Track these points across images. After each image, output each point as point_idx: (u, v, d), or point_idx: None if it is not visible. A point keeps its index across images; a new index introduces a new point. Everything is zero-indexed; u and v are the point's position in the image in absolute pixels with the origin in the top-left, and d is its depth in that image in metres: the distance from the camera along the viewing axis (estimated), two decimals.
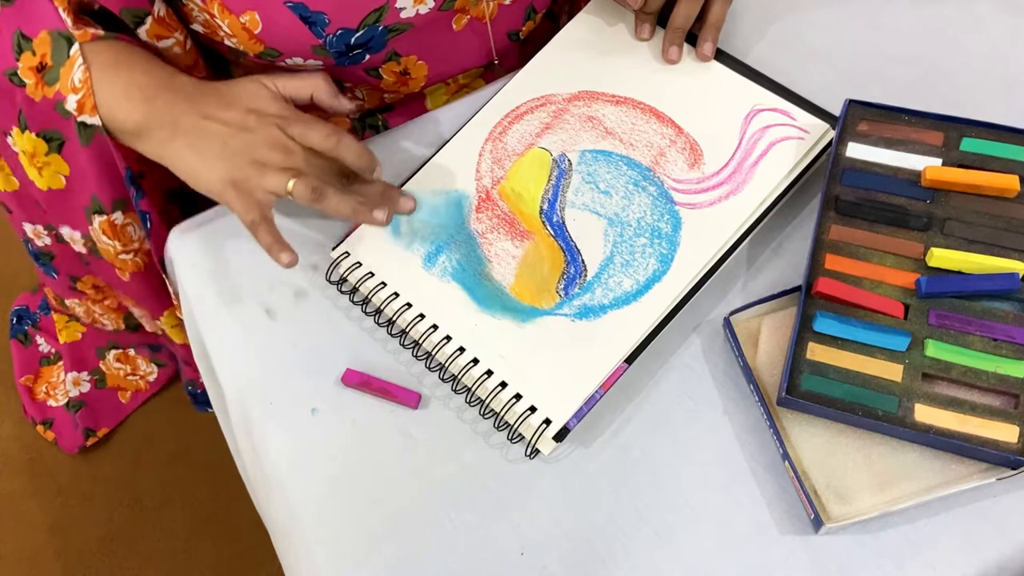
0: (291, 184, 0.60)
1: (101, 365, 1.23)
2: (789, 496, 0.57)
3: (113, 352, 1.23)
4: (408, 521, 0.58)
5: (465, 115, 0.72)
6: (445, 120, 0.73)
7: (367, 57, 0.69)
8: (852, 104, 0.66)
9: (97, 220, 0.71)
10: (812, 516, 0.55)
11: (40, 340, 1.26)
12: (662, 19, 0.72)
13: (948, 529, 0.56)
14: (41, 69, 0.61)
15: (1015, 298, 0.59)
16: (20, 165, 0.68)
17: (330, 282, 0.66)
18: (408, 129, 0.74)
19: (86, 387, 1.22)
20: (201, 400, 1.17)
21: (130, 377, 1.25)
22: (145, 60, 0.64)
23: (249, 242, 0.68)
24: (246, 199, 0.60)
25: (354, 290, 0.65)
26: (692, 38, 0.71)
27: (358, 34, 0.66)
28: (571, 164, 0.68)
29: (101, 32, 0.63)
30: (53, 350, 1.25)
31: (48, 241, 0.83)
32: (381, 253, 0.66)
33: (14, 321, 1.27)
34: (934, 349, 0.58)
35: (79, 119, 0.62)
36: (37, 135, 0.65)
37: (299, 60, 0.69)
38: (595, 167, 0.67)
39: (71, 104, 0.61)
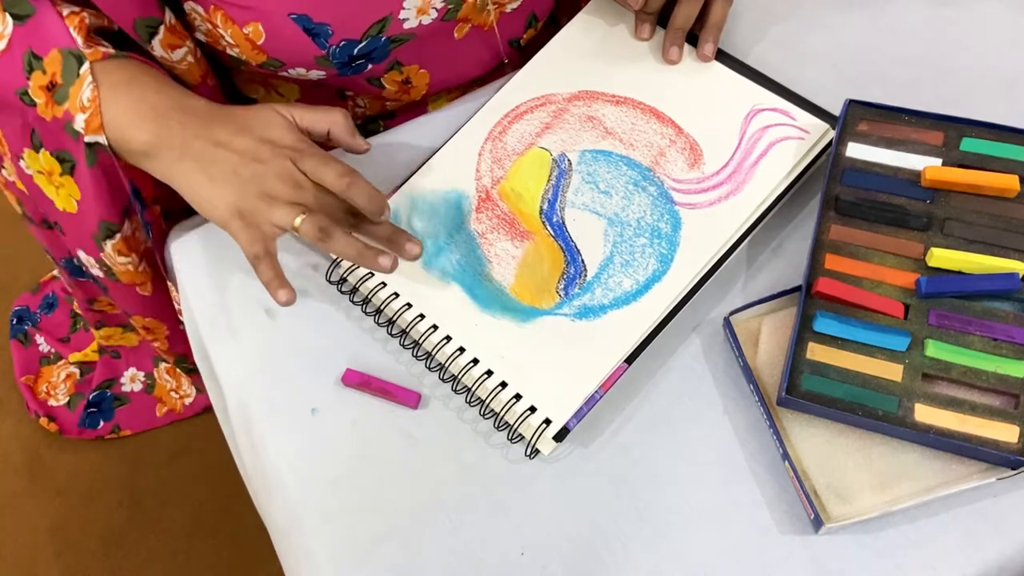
0: (299, 221, 0.58)
1: (155, 372, 1.23)
2: (789, 496, 0.57)
3: (164, 365, 1.23)
4: (408, 521, 0.58)
5: (465, 115, 0.72)
6: (445, 120, 0.73)
7: (369, 67, 0.69)
8: (852, 104, 0.66)
9: (109, 244, 0.70)
10: (812, 516, 0.55)
11: (40, 340, 1.26)
12: (662, 19, 0.72)
13: (948, 529, 0.56)
14: (51, 88, 0.61)
15: (1015, 298, 0.59)
16: (37, 186, 0.67)
17: (330, 282, 0.66)
18: (407, 129, 0.74)
19: (138, 386, 1.22)
20: None
21: (172, 393, 1.24)
22: (157, 80, 0.63)
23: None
24: (252, 231, 0.59)
25: (354, 290, 0.65)
26: (692, 38, 0.71)
27: (361, 45, 0.66)
28: (571, 164, 0.68)
29: (112, 51, 0.62)
30: (53, 350, 1.25)
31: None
32: None
33: (14, 321, 1.27)
34: (934, 349, 0.58)
35: (86, 139, 0.61)
36: (52, 154, 0.64)
37: (302, 71, 0.68)
38: (595, 167, 0.67)
39: (79, 123, 0.60)
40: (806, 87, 0.69)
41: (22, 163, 0.66)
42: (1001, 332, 0.58)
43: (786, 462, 0.57)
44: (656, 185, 0.66)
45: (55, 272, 1.28)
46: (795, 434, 0.58)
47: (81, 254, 0.74)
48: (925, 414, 0.56)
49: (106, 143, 0.61)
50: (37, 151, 0.65)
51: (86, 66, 0.60)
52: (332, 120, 0.64)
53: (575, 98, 0.71)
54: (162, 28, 0.64)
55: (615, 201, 0.66)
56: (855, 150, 0.65)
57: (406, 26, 0.66)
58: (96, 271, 0.75)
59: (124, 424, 1.24)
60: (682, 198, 0.65)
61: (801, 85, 0.69)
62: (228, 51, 0.67)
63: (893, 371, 0.57)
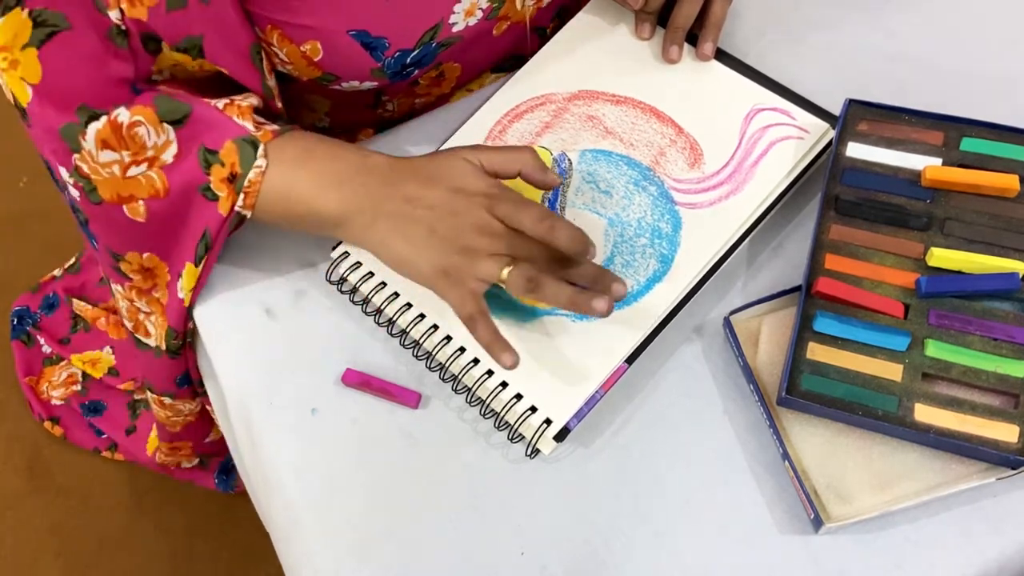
0: (505, 273, 0.56)
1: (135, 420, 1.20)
2: (789, 496, 0.57)
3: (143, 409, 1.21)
4: (408, 521, 0.58)
5: (465, 114, 0.72)
6: (445, 119, 0.73)
7: (416, 72, 0.69)
8: (852, 104, 0.66)
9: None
10: (812, 516, 0.55)
11: (41, 340, 1.26)
12: (662, 19, 0.72)
13: (948, 529, 0.56)
14: (232, 180, 0.60)
15: (1015, 298, 0.59)
16: (181, 304, 0.66)
17: (330, 282, 0.66)
18: (408, 128, 0.74)
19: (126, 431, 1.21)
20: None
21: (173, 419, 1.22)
22: (330, 146, 0.62)
23: (249, 241, 0.68)
24: (459, 290, 0.57)
25: (354, 290, 0.65)
26: (692, 38, 0.71)
27: (414, 53, 0.65)
28: (571, 164, 0.68)
29: (278, 127, 0.62)
30: (55, 352, 1.25)
31: None
32: None
33: (15, 322, 1.27)
34: (934, 349, 0.58)
35: (239, 211, 0.61)
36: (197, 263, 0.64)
37: (355, 83, 0.68)
38: (595, 167, 0.67)
39: (240, 203, 0.60)
40: (806, 87, 0.69)
41: (179, 282, 0.65)
42: (1001, 332, 0.58)
43: (786, 462, 0.57)
44: (656, 185, 0.66)
45: (55, 272, 1.27)
46: (795, 434, 0.58)
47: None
48: (925, 414, 0.56)
49: (248, 216, 0.61)
50: (198, 262, 0.64)
51: (261, 149, 0.60)
52: (521, 160, 0.60)
53: (575, 98, 0.71)
54: (262, 52, 0.64)
55: (615, 201, 0.66)
56: (855, 150, 0.65)
57: (454, 30, 0.66)
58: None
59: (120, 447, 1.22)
60: (682, 198, 0.65)
61: (801, 85, 0.69)
62: (280, 68, 0.66)
63: (893, 371, 0.57)
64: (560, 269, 0.59)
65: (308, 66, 0.65)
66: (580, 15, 0.75)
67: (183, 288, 0.65)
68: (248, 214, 0.62)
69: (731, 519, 0.57)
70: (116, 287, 0.69)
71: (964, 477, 0.56)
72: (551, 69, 0.72)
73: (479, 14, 0.66)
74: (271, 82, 0.65)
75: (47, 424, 1.23)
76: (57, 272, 1.26)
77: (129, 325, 0.71)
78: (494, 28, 0.70)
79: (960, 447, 0.55)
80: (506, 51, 0.76)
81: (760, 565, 0.55)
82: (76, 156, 0.59)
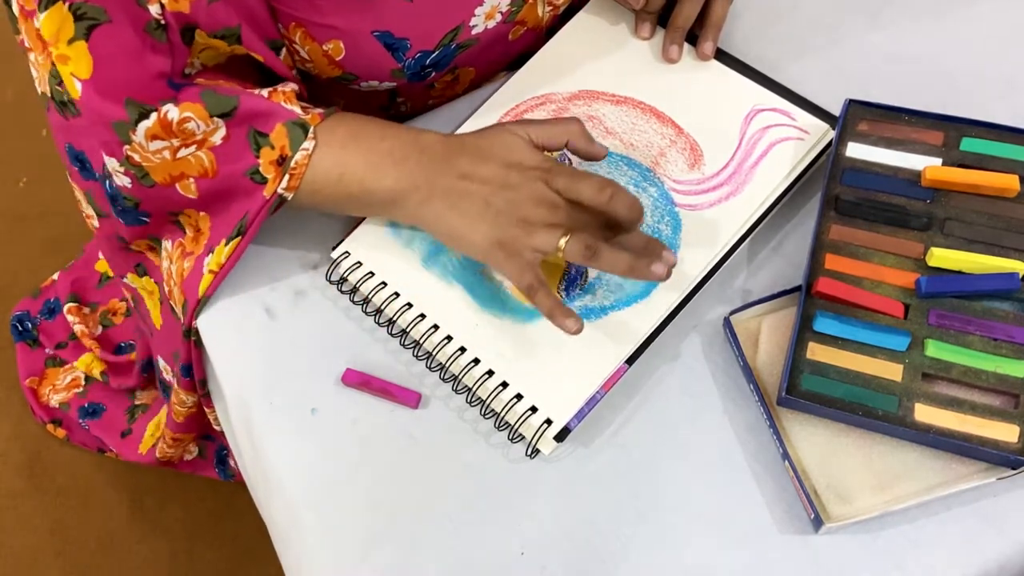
0: (563, 242, 0.57)
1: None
2: (789, 496, 0.57)
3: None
4: (408, 521, 0.58)
5: (464, 113, 0.72)
6: (444, 119, 0.73)
7: (433, 74, 0.69)
8: (852, 104, 0.66)
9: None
10: (812, 516, 0.55)
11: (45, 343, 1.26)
12: (662, 18, 0.72)
13: (948, 529, 0.56)
14: (280, 162, 0.60)
15: (1015, 298, 0.59)
16: (199, 280, 0.65)
17: (330, 282, 0.66)
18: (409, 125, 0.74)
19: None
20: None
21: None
22: (379, 125, 0.62)
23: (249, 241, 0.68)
24: (516, 261, 0.58)
25: (354, 290, 0.65)
26: (692, 38, 0.71)
27: (434, 55, 0.66)
28: (571, 164, 0.68)
29: (324, 110, 0.62)
30: (58, 356, 1.25)
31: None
32: (381, 253, 0.66)
33: (17, 326, 1.27)
34: (934, 349, 0.58)
35: (281, 192, 0.61)
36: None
37: (374, 83, 0.68)
38: (595, 167, 0.67)
39: (282, 185, 0.60)
40: (806, 87, 0.69)
41: (208, 257, 0.65)
42: (1001, 332, 0.58)
43: (786, 462, 0.57)
44: (656, 186, 0.66)
45: (55, 276, 1.27)
46: (795, 434, 0.58)
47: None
48: (925, 414, 0.56)
49: (289, 198, 0.61)
50: (228, 242, 0.63)
51: (311, 131, 0.60)
52: (569, 131, 0.62)
53: (575, 98, 0.71)
54: (283, 49, 0.64)
55: None
56: (855, 150, 0.65)
57: (474, 32, 0.66)
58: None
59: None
60: (682, 199, 0.65)
61: (801, 85, 0.69)
62: (300, 66, 0.66)
63: (893, 371, 0.57)
64: (612, 238, 0.60)
65: (329, 65, 0.65)
66: (580, 15, 0.75)
67: (208, 264, 0.64)
68: (289, 196, 0.61)
69: (731, 519, 0.57)
70: (166, 244, 0.68)
71: (964, 477, 0.56)
72: (551, 69, 0.72)
73: (499, 17, 0.66)
74: (290, 76, 0.65)
75: (49, 427, 1.23)
76: (56, 276, 1.26)
77: (166, 289, 0.72)
78: (510, 32, 0.70)
79: (960, 447, 0.55)
80: (517, 53, 0.76)
81: (760, 565, 0.55)
82: (127, 147, 0.59)
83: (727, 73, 0.70)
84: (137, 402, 1.17)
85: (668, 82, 0.71)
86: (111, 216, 0.66)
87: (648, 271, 0.57)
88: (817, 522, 0.55)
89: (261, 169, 0.60)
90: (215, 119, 0.59)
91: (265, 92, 0.62)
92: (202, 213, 0.64)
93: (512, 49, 0.74)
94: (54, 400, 1.23)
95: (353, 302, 0.66)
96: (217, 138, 0.60)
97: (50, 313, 1.26)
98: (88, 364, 1.20)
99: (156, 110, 0.58)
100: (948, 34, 0.75)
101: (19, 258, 1.40)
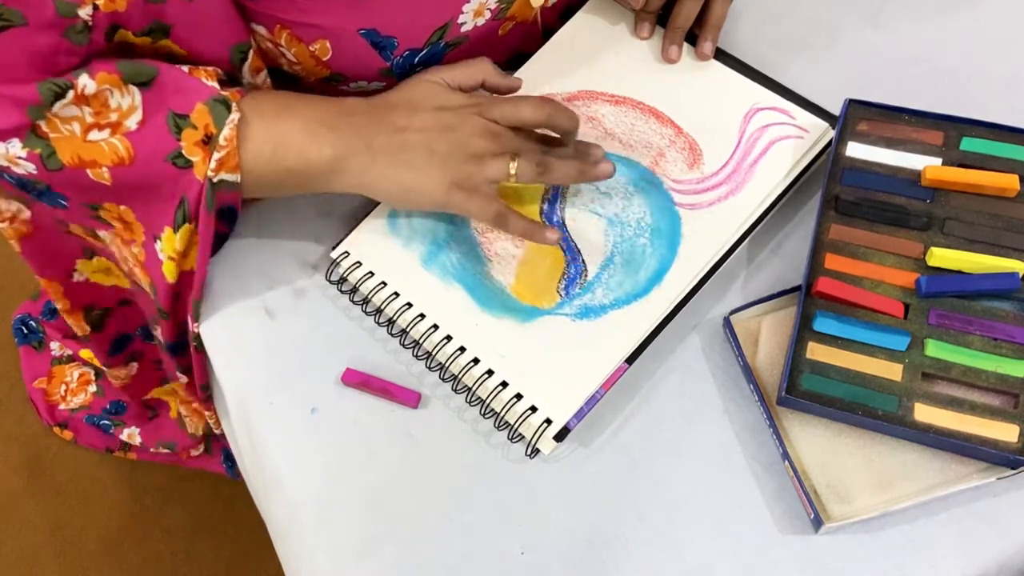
0: (513, 167, 0.59)
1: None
2: (789, 496, 0.57)
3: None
4: (408, 521, 0.58)
5: None
6: None
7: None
8: (852, 104, 0.66)
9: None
10: (812, 516, 0.55)
11: (53, 345, 1.26)
12: (662, 18, 0.72)
13: (948, 529, 0.56)
14: (207, 141, 0.58)
15: (1015, 298, 0.59)
16: (160, 266, 0.63)
17: (330, 282, 0.66)
18: None
19: (137, 440, 1.20)
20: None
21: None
22: (303, 97, 0.62)
23: (249, 241, 0.68)
24: (477, 196, 0.59)
25: (354, 290, 0.65)
26: (692, 37, 0.71)
27: (422, 53, 0.66)
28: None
29: (241, 88, 0.61)
30: (66, 352, 1.25)
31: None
32: (381, 253, 0.66)
33: (22, 328, 1.27)
34: (934, 349, 0.58)
35: (216, 177, 0.58)
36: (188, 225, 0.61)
37: (363, 83, 0.68)
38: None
39: (212, 164, 0.58)
40: (806, 87, 0.69)
41: (158, 244, 0.63)
42: (1001, 332, 0.58)
43: (786, 462, 0.57)
44: (656, 186, 0.66)
45: None
46: (795, 434, 0.58)
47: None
48: (925, 414, 0.56)
49: (238, 181, 0.59)
50: (177, 230, 0.61)
51: (234, 106, 0.58)
52: (483, 70, 0.64)
53: (574, 98, 0.71)
54: (251, 52, 0.62)
55: (615, 201, 0.66)
56: (855, 150, 0.65)
57: (463, 30, 0.66)
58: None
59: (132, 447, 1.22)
60: (682, 199, 0.65)
61: (801, 85, 0.69)
62: (287, 68, 0.66)
63: (893, 371, 0.57)
64: (551, 152, 0.62)
65: (317, 66, 0.65)
66: (579, 14, 0.75)
67: (163, 250, 0.62)
68: (235, 178, 0.59)
69: (731, 519, 0.57)
70: (103, 233, 0.67)
71: (964, 477, 0.56)
72: (550, 69, 0.72)
73: (487, 14, 0.66)
74: (256, 80, 0.65)
75: (56, 429, 1.23)
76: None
77: (125, 269, 0.70)
78: (500, 28, 0.70)
79: (960, 447, 0.55)
80: (511, 51, 0.76)
81: (760, 565, 0.55)
82: (41, 122, 0.56)
83: (727, 73, 0.70)
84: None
85: (667, 82, 0.71)
86: (36, 200, 0.63)
87: (596, 171, 0.61)
88: (817, 522, 0.55)
89: (184, 151, 0.58)
90: (131, 87, 0.57)
91: (185, 68, 0.59)
92: (123, 207, 0.62)
93: (502, 46, 0.74)
94: (74, 403, 1.22)
95: (353, 302, 0.66)
96: (132, 122, 0.57)
97: (52, 314, 1.26)
98: (91, 355, 1.20)
99: (73, 87, 0.55)
100: (948, 34, 0.75)
101: (19, 259, 1.40)
